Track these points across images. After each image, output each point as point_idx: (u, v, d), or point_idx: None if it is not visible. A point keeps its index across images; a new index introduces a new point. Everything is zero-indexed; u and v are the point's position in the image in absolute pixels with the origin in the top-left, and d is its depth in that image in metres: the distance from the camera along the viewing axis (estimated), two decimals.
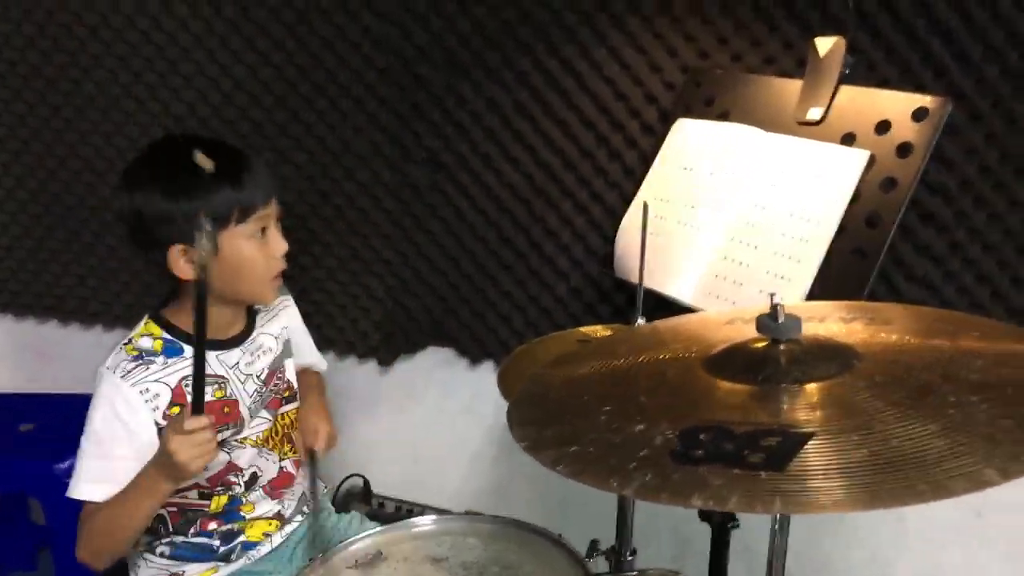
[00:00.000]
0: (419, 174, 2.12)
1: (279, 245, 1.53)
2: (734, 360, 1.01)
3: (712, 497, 0.78)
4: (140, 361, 1.48)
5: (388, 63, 2.05)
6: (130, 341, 1.52)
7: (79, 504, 2.19)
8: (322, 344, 2.01)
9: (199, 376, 1.31)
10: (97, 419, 1.47)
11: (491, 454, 2.41)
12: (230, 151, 1.51)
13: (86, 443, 1.48)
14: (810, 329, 1.05)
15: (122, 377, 1.46)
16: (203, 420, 1.35)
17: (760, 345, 1.01)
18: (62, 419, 2.27)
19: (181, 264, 1.46)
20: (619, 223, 1.86)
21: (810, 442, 0.83)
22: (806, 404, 0.90)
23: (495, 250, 2.14)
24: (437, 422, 2.40)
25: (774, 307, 0.99)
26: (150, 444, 1.44)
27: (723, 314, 1.21)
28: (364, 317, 2.28)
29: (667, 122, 1.84)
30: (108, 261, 2.37)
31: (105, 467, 1.45)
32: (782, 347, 0.99)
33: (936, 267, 1.86)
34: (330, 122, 2.13)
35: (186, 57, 2.14)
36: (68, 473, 2.10)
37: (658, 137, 1.85)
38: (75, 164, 2.29)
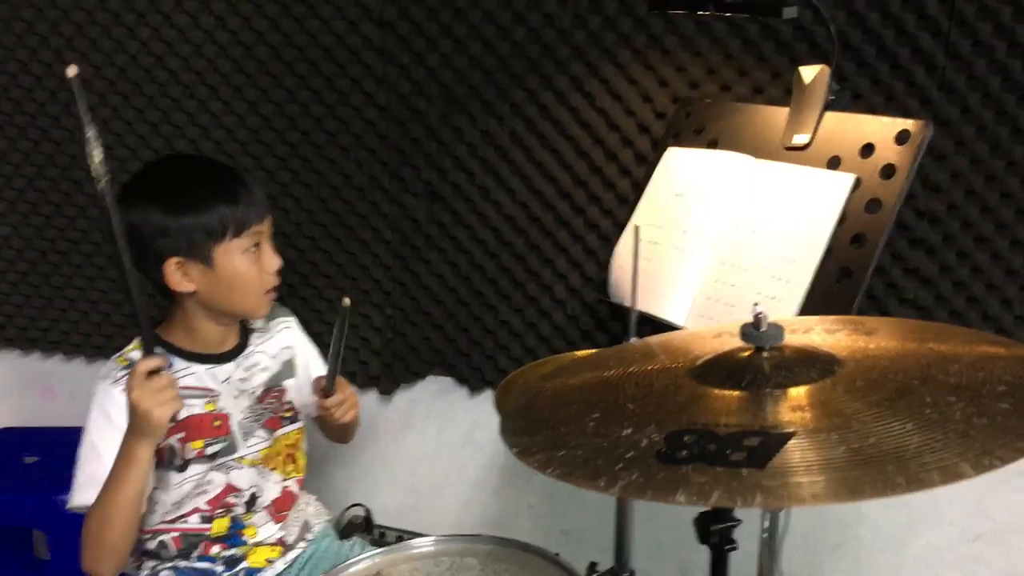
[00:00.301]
0: (418, 206, 2.17)
1: (272, 260, 1.56)
2: (719, 368, 1.04)
3: (695, 493, 0.81)
4: (130, 370, 1.51)
5: (387, 100, 2.10)
6: (122, 354, 1.55)
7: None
8: None
9: (142, 309, 1.38)
10: (91, 427, 1.50)
11: (492, 483, 2.43)
12: (226, 169, 1.58)
13: (82, 452, 1.50)
14: (794, 340, 1.08)
15: (112, 383, 1.49)
16: (156, 360, 1.38)
17: (744, 354, 1.04)
18: (67, 452, 2.29)
19: (177, 277, 1.50)
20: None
21: (791, 441, 0.86)
22: (788, 407, 0.93)
23: (493, 279, 2.18)
24: (438, 451, 2.42)
25: (757, 316, 1.03)
26: None
27: (711, 329, 1.24)
28: (365, 347, 2.31)
29: (658, 151, 1.89)
30: (111, 295, 2.41)
31: (100, 471, 1.46)
32: (765, 355, 1.02)
33: (926, 290, 1.89)
34: (330, 156, 2.18)
35: (189, 94, 2.19)
36: None
37: (650, 165, 1.89)
38: (79, 199, 2.33)
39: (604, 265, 1.98)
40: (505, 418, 1.09)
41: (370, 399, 2.38)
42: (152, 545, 1.59)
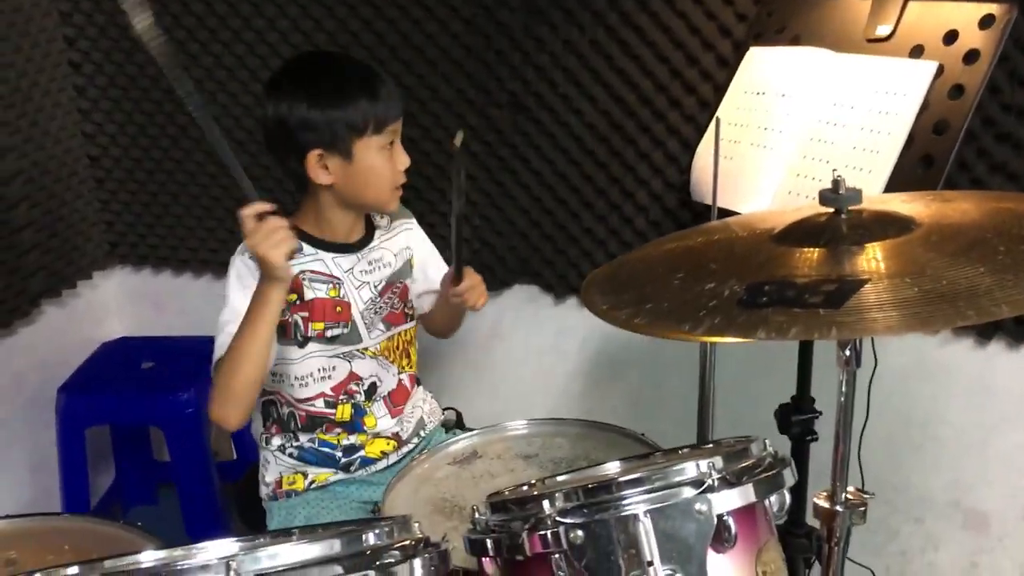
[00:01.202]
0: (502, 117, 2.23)
1: (403, 158, 1.64)
2: (798, 231, 1.09)
3: (774, 330, 0.87)
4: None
5: (472, 13, 2.16)
6: None
7: (201, 436, 2.37)
8: None
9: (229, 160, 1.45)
10: (231, 295, 1.60)
11: (577, 388, 2.51)
12: (367, 67, 1.64)
13: (223, 317, 1.60)
14: (872, 206, 1.12)
15: (251, 258, 1.58)
16: (257, 205, 1.45)
17: (823, 217, 1.08)
18: (180, 358, 2.46)
19: (317, 169, 1.58)
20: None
21: (867, 286, 0.91)
22: (865, 259, 0.98)
23: (576, 187, 2.24)
24: (525, 357, 2.51)
25: (835, 181, 1.07)
26: None
27: (791, 208, 1.29)
28: None
29: (740, 53, 1.90)
30: (215, 211, 2.54)
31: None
32: (843, 216, 1.06)
33: (1013, 185, 1.89)
34: (417, 71, 2.25)
35: (282, 13, 2.28)
36: (189, 404, 2.30)
37: (732, 69, 1.91)
38: (183, 120, 2.45)
39: (686, 170, 2.02)
40: (592, 283, 1.16)
41: None
42: (284, 413, 1.72)
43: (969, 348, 2.11)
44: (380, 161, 1.60)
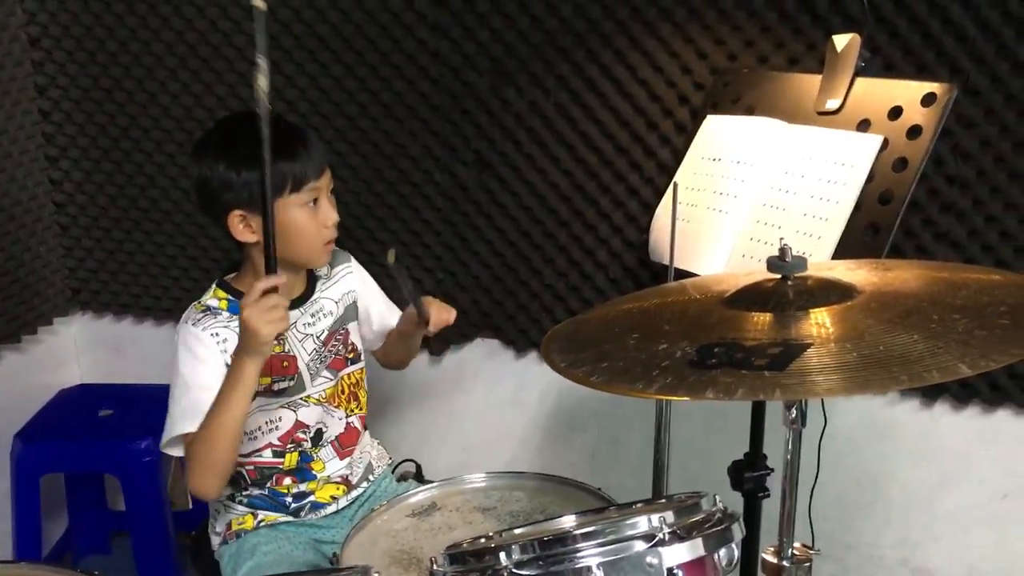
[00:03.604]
0: (468, 174, 2.29)
1: (329, 215, 1.66)
2: (747, 295, 1.15)
3: (723, 391, 0.91)
4: (208, 313, 1.64)
5: (440, 72, 2.22)
6: (200, 301, 1.68)
7: (157, 485, 2.36)
8: None
9: (269, 234, 1.47)
10: (180, 365, 1.61)
11: (536, 442, 2.54)
12: (287, 126, 1.65)
13: (174, 389, 1.60)
14: (817, 273, 1.18)
15: (194, 324, 1.62)
16: (273, 279, 1.47)
17: (771, 283, 1.14)
18: (138, 406, 2.46)
19: (240, 228, 1.60)
20: None
21: (809, 350, 0.96)
22: (808, 325, 1.04)
23: (539, 244, 2.29)
24: (485, 410, 2.54)
25: (782, 249, 1.13)
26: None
27: (741, 272, 1.35)
28: None
29: (697, 120, 1.98)
30: (179, 260, 2.55)
31: (193, 403, 1.57)
32: (790, 283, 1.12)
33: (956, 252, 1.97)
34: (385, 128, 2.30)
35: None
36: (146, 453, 2.30)
37: (689, 134, 1.99)
38: (151, 170, 2.48)
39: (645, 230, 2.08)
40: (551, 340, 1.20)
41: (421, 360, 2.50)
42: (233, 474, 1.72)
43: (915, 409, 2.19)
44: (302, 219, 1.62)
